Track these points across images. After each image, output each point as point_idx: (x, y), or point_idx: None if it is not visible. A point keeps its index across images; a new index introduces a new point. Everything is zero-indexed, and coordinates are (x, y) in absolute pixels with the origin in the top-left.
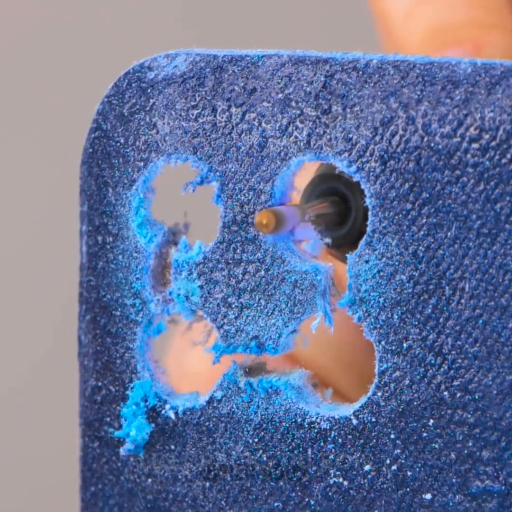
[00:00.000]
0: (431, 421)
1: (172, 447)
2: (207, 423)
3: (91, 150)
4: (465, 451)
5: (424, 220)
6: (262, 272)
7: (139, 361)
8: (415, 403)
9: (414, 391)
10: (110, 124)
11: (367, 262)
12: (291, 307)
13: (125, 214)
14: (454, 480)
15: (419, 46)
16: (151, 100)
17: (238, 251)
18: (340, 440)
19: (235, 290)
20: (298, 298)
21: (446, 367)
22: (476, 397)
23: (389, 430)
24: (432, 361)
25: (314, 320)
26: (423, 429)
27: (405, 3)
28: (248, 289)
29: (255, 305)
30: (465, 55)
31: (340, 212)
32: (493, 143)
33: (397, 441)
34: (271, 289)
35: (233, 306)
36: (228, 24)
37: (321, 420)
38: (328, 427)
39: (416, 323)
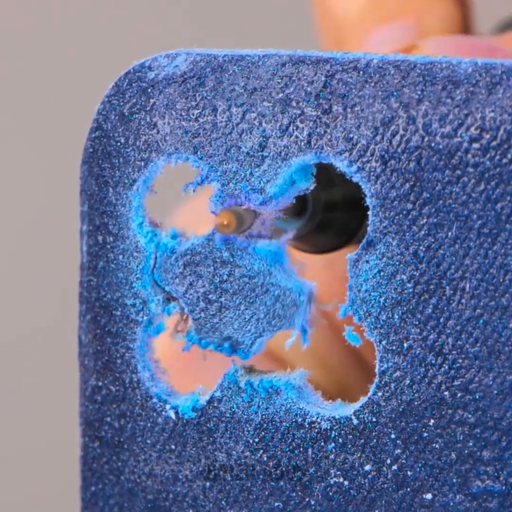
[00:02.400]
0: (432, 421)
1: (173, 447)
2: (207, 423)
3: (91, 150)
4: (466, 451)
5: (424, 220)
6: (247, 279)
7: (140, 361)
8: (415, 403)
9: (414, 391)
10: (110, 124)
11: (367, 262)
12: (269, 319)
13: (126, 214)
14: (454, 480)
15: (358, 22)
16: (152, 100)
17: (227, 252)
18: (340, 440)
19: (218, 289)
20: (278, 312)
21: (446, 367)
22: (477, 397)
23: (390, 430)
24: (433, 361)
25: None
26: (423, 429)
27: None
28: (230, 291)
29: (234, 308)
30: (407, 28)
31: (298, 204)
32: (494, 143)
33: (398, 441)
34: (253, 296)
35: (213, 303)
36: (228, 24)
37: (321, 420)
38: (328, 427)
39: (417, 323)
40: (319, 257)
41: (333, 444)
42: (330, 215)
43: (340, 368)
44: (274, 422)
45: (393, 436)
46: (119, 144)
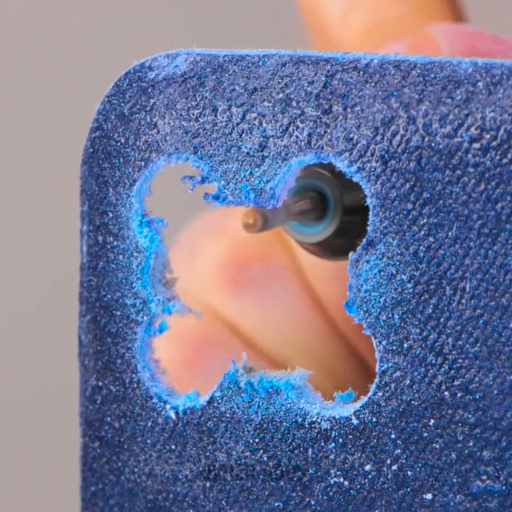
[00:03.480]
0: (432, 421)
1: (173, 447)
2: (207, 423)
3: (91, 150)
4: (466, 451)
5: (424, 220)
6: None
7: (140, 361)
8: (415, 403)
9: (414, 391)
10: (110, 124)
11: (367, 262)
12: None
13: (126, 214)
14: (454, 480)
15: (357, 43)
16: (152, 100)
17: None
18: (340, 440)
19: None
20: None
21: (446, 367)
22: (477, 397)
23: (390, 430)
24: (433, 361)
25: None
26: (423, 429)
27: (340, 3)
28: None
29: None
30: (401, 49)
31: (318, 207)
32: (494, 143)
33: (398, 441)
34: None
35: None
36: (228, 24)
37: (321, 420)
38: (328, 427)
39: (417, 323)
40: (332, 268)
41: (333, 444)
42: (350, 218)
43: (335, 361)
44: (274, 422)
45: (393, 436)
46: (119, 144)
